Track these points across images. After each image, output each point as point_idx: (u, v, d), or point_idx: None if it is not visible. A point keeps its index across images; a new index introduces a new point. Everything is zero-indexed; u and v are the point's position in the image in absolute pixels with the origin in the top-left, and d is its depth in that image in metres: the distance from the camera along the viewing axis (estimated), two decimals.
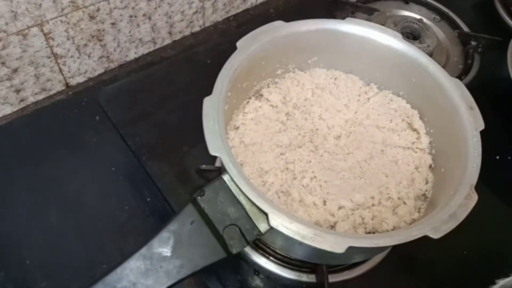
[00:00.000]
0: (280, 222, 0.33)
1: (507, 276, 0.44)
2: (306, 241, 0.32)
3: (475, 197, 0.37)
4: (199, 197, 0.34)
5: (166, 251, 0.32)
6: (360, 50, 0.49)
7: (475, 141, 0.41)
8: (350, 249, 0.33)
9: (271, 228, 0.33)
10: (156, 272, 0.31)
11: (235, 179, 0.34)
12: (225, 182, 0.35)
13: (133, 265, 0.31)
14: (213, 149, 0.36)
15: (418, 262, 0.51)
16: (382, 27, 0.48)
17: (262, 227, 0.33)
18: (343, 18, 0.49)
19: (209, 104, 0.38)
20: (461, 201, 0.36)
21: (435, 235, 0.34)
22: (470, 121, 0.42)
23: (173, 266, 0.31)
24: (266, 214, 0.33)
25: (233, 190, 0.34)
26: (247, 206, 0.34)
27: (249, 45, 0.44)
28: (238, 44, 0.44)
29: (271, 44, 0.46)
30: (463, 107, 0.43)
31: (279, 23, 0.47)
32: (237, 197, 0.34)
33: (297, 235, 0.33)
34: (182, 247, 0.32)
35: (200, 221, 0.33)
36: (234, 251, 0.33)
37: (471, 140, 0.41)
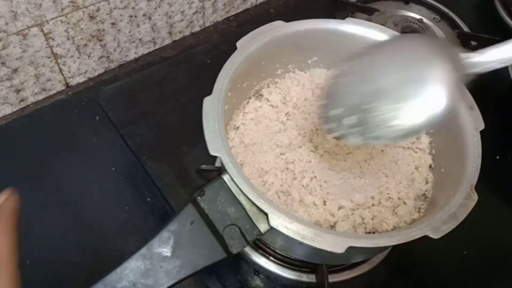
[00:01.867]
0: (280, 222, 0.33)
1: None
2: (306, 241, 0.32)
3: (475, 197, 0.37)
4: (199, 197, 0.34)
5: (166, 251, 0.32)
6: None
7: (475, 141, 0.40)
8: (350, 249, 0.33)
9: (271, 228, 0.33)
10: (156, 272, 0.31)
11: (235, 179, 0.34)
12: (225, 182, 0.35)
13: (133, 265, 0.31)
14: (213, 149, 0.36)
15: (418, 262, 0.51)
16: (382, 27, 0.48)
17: (262, 227, 0.33)
18: (343, 18, 0.49)
19: (209, 104, 0.38)
20: (461, 201, 0.36)
21: (435, 235, 0.34)
22: (470, 121, 0.42)
23: (173, 266, 0.31)
24: (266, 214, 0.33)
25: (233, 190, 0.34)
26: (247, 206, 0.34)
27: (249, 45, 0.44)
28: (238, 44, 0.44)
29: (271, 44, 0.46)
30: (463, 107, 0.43)
31: (279, 23, 0.47)
32: (237, 197, 0.34)
33: (297, 235, 0.33)
34: (182, 247, 0.32)
35: (200, 221, 0.33)
36: (234, 251, 0.33)
37: (471, 140, 0.40)
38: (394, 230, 0.40)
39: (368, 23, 0.48)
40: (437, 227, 0.35)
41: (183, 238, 0.33)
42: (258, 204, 0.33)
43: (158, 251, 0.32)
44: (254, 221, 0.34)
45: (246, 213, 0.34)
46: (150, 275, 0.31)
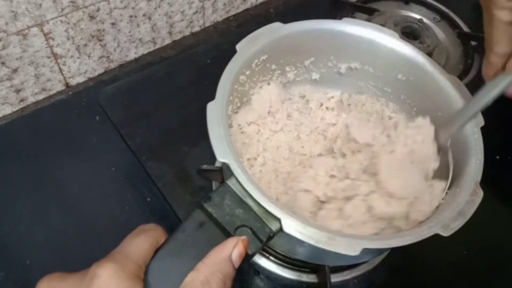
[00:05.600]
0: (294, 227, 0.33)
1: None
2: (320, 245, 0.32)
3: (480, 193, 0.37)
4: (205, 203, 0.34)
5: (178, 256, 0.32)
6: (358, 50, 0.49)
7: (476, 137, 0.41)
8: (364, 250, 0.33)
9: (285, 233, 0.33)
10: (170, 277, 0.31)
11: (244, 185, 0.34)
12: (229, 186, 0.34)
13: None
14: (220, 155, 0.35)
15: (418, 262, 0.51)
16: (379, 26, 0.48)
17: (273, 225, 0.33)
18: (341, 18, 0.49)
19: (212, 110, 0.38)
20: (468, 197, 0.36)
21: (446, 233, 0.34)
22: None
23: (188, 269, 0.31)
24: (279, 220, 0.33)
25: (238, 193, 0.34)
26: (255, 207, 0.34)
27: (248, 48, 0.44)
28: (238, 47, 0.44)
29: (270, 46, 0.46)
30: (462, 104, 0.43)
31: (277, 24, 0.47)
32: (244, 199, 0.34)
33: (310, 240, 0.32)
34: (196, 249, 0.32)
35: (210, 223, 0.33)
36: (249, 252, 0.33)
37: (472, 136, 0.41)
38: (406, 230, 0.40)
39: (365, 23, 0.48)
40: (447, 225, 0.35)
41: (195, 241, 0.32)
42: (270, 209, 0.33)
43: (169, 257, 0.32)
44: (264, 219, 0.34)
45: (255, 213, 0.34)
46: (165, 280, 0.31)
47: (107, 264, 0.28)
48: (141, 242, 0.31)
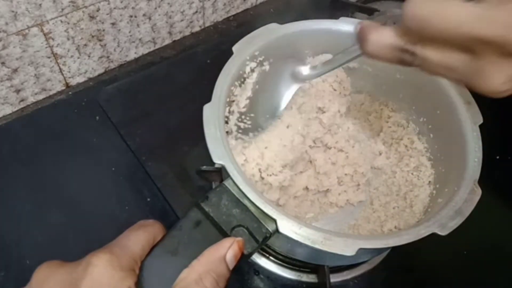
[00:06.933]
0: (290, 228, 0.33)
1: None
2: (316, 246, 0.32)
3: (479, 192, 0.37)
4: (203, 203, 0.34)
5: (173, 254, 0.32)
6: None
7: (474, 135, 0.40)
8: (360, 250, 0.33)
9: (281, 234, 0.33)
10: (164, 274, 0.31)
11: (241, 187, 0.34)
12: (227, 186, 0.35)
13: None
14: (217, 157, 0.36)
15: (418, 262, 0.51)
16: None
17: (270, 226, 0.34)
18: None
19: (209, 112, 0.38)
20: (466, 196, 0.36)
21: (443, 232, 0.34)
22: (468, 115, 0.42)
23: (182, 267, 0.31)
24: (274, 220, 0.33)
25: (235, 193, 0.34)
26: (252, 208, 0.34)
27: (245, 49, 0.44)
28: (234, 48, 0.44)
29: (266, 47, 0.46)
30: (461, 102, 0.43)
31: (273, 25, 0.47)
32: (241, 200, 0.34)
33: (307, 240, 0.33)
34: (191, 248, 0.32)
35: (206, 223, 0.33)
36: (245, 252, 0.33)
37: (470, 134, 0.40)
38: (402, 230, 0.40)
39: (361, 22, 0.48)
40: (444, 224, 0.35)
41: (191, 240, 0.32)
42: (266, 211, 0.33)
43: (165, 255, 0.32)
44: (261, 220, 0.34)
45: (252, 213, 0.34)
46: (159, 276, 0.31)
47: (103, 254, 0.29)
48: (139, 237, 0.32)
